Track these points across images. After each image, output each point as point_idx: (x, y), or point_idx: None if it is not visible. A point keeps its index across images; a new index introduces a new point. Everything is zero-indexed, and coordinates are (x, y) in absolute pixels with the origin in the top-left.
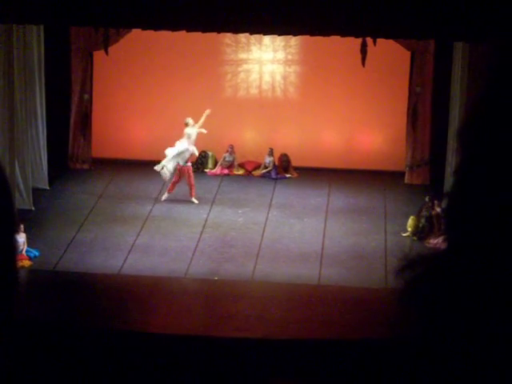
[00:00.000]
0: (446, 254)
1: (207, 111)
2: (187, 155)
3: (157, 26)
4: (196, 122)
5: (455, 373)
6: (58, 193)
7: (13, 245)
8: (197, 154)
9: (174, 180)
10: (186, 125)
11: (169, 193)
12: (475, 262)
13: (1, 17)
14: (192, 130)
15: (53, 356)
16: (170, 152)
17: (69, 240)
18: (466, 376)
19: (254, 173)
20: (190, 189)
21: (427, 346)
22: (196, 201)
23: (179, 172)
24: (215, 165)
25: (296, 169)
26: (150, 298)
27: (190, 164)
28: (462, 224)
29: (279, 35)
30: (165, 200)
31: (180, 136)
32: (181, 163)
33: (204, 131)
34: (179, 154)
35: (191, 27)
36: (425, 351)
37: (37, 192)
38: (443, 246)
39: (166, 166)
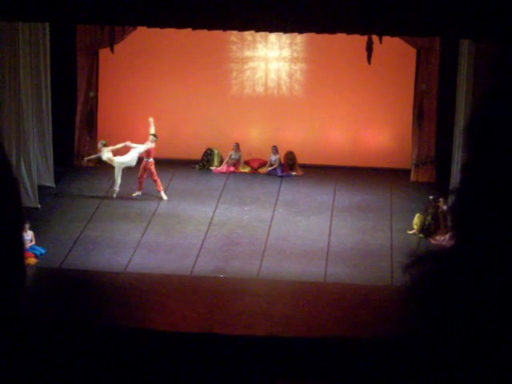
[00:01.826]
0: (453, 250)
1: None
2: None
3: (162, 24)
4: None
5: (462, 369)
6: (63, 190)
7: (21, 242)
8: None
9: (138, 177)
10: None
11: (139, 190)
12: (483, 257)
13: (7, 15)
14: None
15: (59, 353)
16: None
17: (75, 237)
18: (473, 372)
19: (259, 170)
20: (155, 183)
21: (434, 343)
22: (165, 196)
23: (143, 168)
24: (221, 162)
25: (302, 166)
26: (155, 295)
27: (151, 160)
28: (470, 220)
29: (285, 33)
30: (137, 196)
31: (186, 134)
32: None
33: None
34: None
35: (197, 25)
36: (432, 347)
37: (43, 190)
38: (450, 243)
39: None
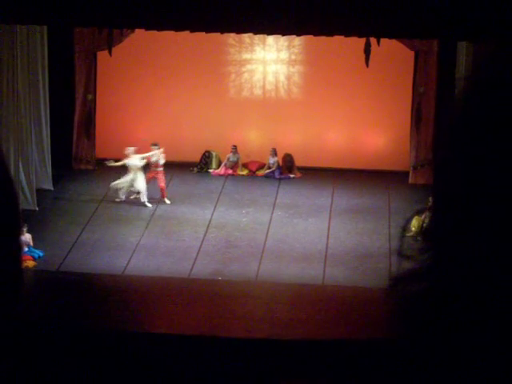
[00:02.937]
0: (433, 266)
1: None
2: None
3: (160, 27)
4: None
5: (459, 376)
6: (61, 193)
7: (18, 245)
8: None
9: (161, 185)
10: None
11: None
12: (463, 272)
13: (4, 17)
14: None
15: (56, 356)
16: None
17: (73, 240)
18: (470, 378)
19: (257, 173)
20: (160, 190)
21: (431, 348)
22: (168, 201)
23: (151, 175)
24: (219, 165)
25: (300, 169)
26: (154, 298)
27: (160, 169)
28: (447, 234)
29: (283, 35)
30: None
31: (184, 136)
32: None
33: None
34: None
35: (195, 27)
36: (428, 352)
37: (41, 192)
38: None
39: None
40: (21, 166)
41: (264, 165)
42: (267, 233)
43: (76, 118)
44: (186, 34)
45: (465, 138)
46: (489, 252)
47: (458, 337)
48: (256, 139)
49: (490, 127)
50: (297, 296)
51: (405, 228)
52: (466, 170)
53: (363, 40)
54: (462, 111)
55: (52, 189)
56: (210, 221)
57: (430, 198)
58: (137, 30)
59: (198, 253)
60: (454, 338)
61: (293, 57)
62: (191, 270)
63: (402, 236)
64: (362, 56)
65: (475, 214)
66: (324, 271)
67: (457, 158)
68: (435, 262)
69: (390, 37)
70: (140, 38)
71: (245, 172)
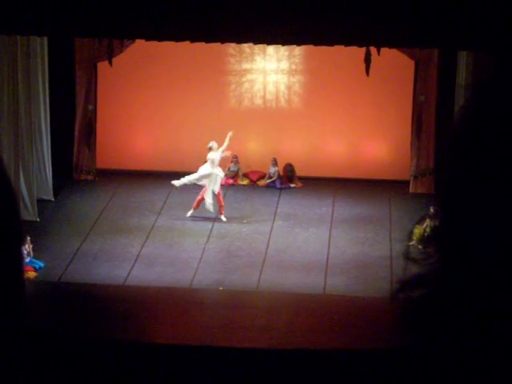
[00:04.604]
0: (439, 272)
1: (230, 133)
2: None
3: (160, 37)
4: (220, 145)
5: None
6: (62, 204)
7: (20, 256)
8: (222, 176)
9: (199, 198)
10: (210, 149)
11: (194, 209)
12: (469, 277)
13: (5, 28)
14: (215, 155)
15: (58, 367)
16: (192, 176)
17: (74, 251)
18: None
19: (258, 183)
20: (219, 207)
21: (431, 357)
22: (224, 218)
23: (206, 191)
24: None
25: (301, 178)
26: (155, 308)
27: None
28: (452, 240)
29: (283, 45)
30: (190, 216)
31: (185, 147)
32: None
33: (228, 154)
34: (200, 179)
35: (195, 37)
36: (429, 361)
37: (41, 203)
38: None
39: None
40: (21, 176)
41: (265, 175)
42: (268, 242)
43: (76, 128)
44: (186, 44)
45: (467, 145)
46: (493, 256)
47: (463, 342)
48: (257, 149)
49: (492, 134)
50: (298, 305)
51: (410, 234)
52: (468, 177)
53: (363, 49)
54: (463, 119)
55: (53, 199)
56: (210, 231)
57: (431, 207)
58: (137, 40)
59: (199, 263)
60: (459, 343)
61: (293, 66)
62: (192, 279)
63: (409, 240)
64: (363, 65)
65: (478, 220)
66: (325, 281)
67: (459, 165)
68: (440, 267)
69: (391, 46)
70: (140, 49)
71: (245, 182)
